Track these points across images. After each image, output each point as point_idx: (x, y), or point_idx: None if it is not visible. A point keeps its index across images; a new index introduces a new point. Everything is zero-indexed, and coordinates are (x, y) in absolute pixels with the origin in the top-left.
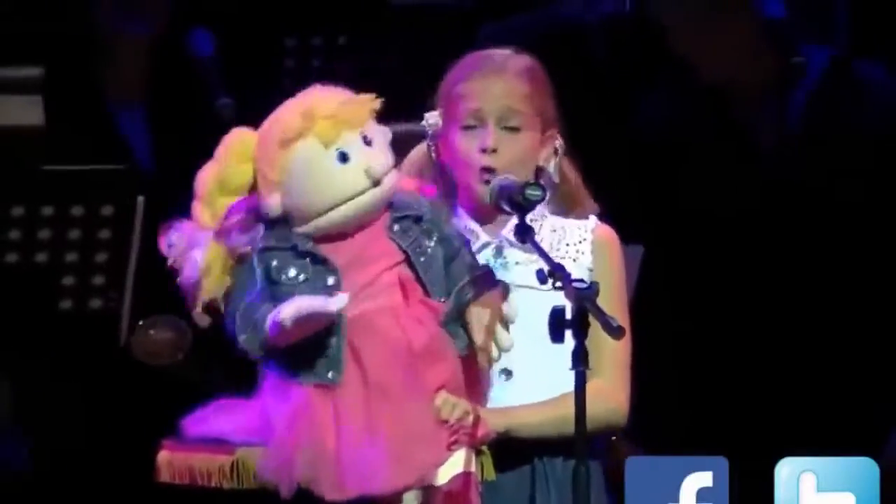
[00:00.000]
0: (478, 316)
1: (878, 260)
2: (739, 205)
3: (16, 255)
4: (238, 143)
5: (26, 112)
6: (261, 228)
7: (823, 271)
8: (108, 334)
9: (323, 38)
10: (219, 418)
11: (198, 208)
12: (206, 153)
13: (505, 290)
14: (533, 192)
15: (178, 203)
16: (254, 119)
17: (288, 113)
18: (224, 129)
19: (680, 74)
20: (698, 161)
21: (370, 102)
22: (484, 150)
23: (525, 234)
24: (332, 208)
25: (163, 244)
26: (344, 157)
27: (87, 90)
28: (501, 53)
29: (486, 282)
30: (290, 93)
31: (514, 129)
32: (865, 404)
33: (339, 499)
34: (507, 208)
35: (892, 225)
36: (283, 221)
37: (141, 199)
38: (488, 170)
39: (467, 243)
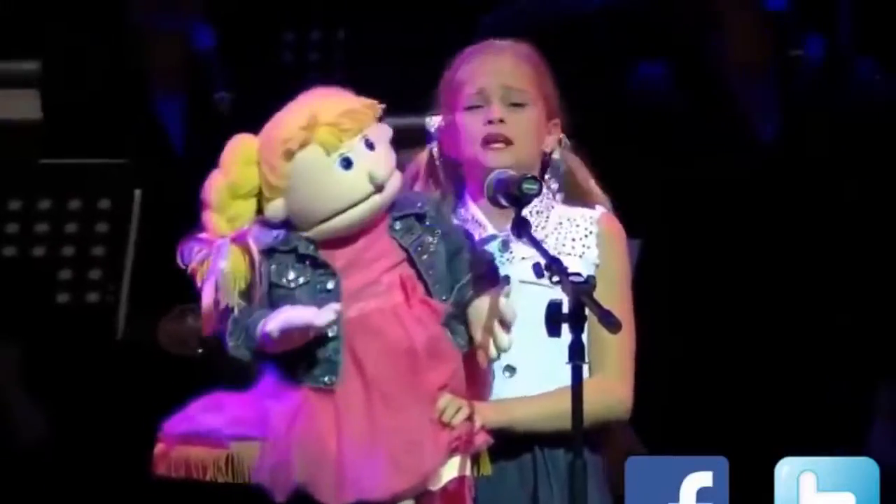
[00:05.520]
0: (477, 314)
1: (877, 257)
2: (740, 196)
3: (13, 248)
4: (242, 148)
5: (23, 106)
6: (281, 231)
7: (822, 272)
8: (105, 328)
9: (321, 32)
10: (211, 411)
11: (211, 217)
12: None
13: (506, 289)
14: (529, 186)
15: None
16: (251, 112)
17: (290, 120)
18: (222, 122)
19: (682, 60)
20: (696, 149)
21: (372, 108)
22: (490, 122)
23: (521, 228)
24: (335, 214)
25: (181, 257)
26: (347, 164)
27: (84, 83)
28: (501, 41)
29: (488, 280)
30: (288, 88)
31: (519, 105)
32: (865, 404)
33: (335, 503)
34: (503, 202)
35: (891, 222)
36: (284, 224)
37: (138, 192)
38: (497, 139)
39: (471, 237)
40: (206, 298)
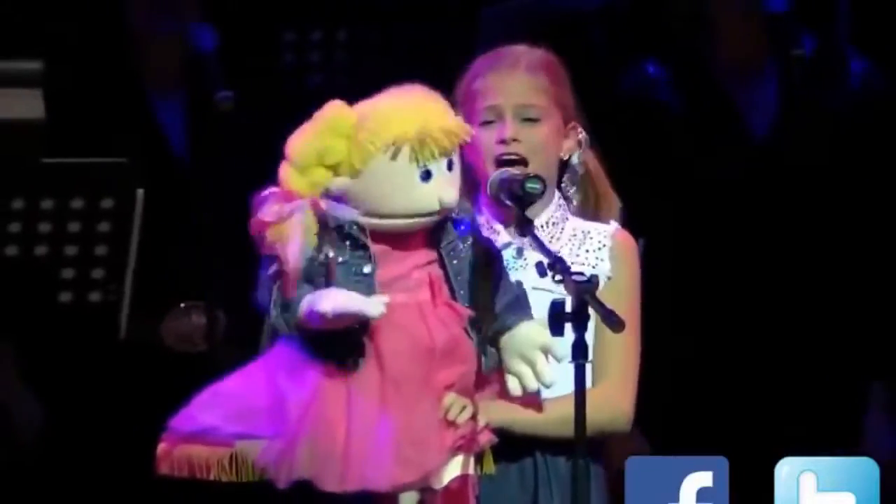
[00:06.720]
0: (518, 344)
1: (878, 257)
2: (738, 196)
3: (16, 247)
4: (339, 119)
5: (26, 105)
6: (348, 208)
7: (822, 272)
8: (108, 327)
9: (322, 32)
10: (214, 407)
11: (292, 175)
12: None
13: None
14: (532, 185)
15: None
16: (253, 113)
17: (399, 116)
18: (224, 122)
19: (679, 59)
20: (693, 146)
21: (468, 134)
22: (503, 142)
23: (524, 228)
24: (396, 216)
25: (257, 208)
26: (427, 175)
27: (88, 83)
28: (516, 49)
29: (527, 307)
30: (289, 88)
31: (533, 121)
32: (865, 404)
33: (338, 490)
34: (506, 202)
35: (891, 222)
36: (334, 198)
37: (141, 191)
38: (509, 161)
39: (498, 252)
40: (292, 257)
